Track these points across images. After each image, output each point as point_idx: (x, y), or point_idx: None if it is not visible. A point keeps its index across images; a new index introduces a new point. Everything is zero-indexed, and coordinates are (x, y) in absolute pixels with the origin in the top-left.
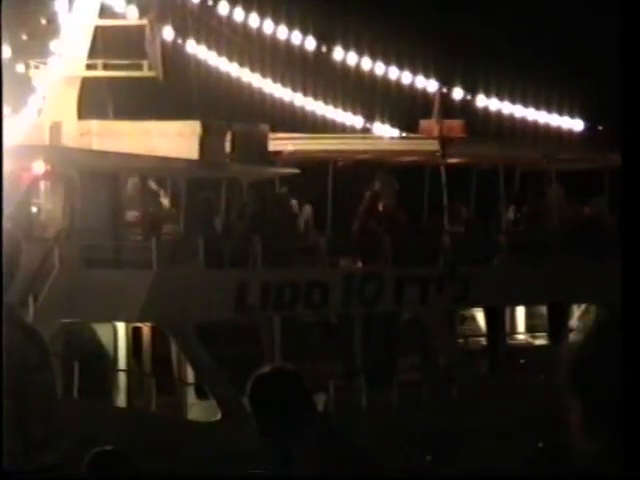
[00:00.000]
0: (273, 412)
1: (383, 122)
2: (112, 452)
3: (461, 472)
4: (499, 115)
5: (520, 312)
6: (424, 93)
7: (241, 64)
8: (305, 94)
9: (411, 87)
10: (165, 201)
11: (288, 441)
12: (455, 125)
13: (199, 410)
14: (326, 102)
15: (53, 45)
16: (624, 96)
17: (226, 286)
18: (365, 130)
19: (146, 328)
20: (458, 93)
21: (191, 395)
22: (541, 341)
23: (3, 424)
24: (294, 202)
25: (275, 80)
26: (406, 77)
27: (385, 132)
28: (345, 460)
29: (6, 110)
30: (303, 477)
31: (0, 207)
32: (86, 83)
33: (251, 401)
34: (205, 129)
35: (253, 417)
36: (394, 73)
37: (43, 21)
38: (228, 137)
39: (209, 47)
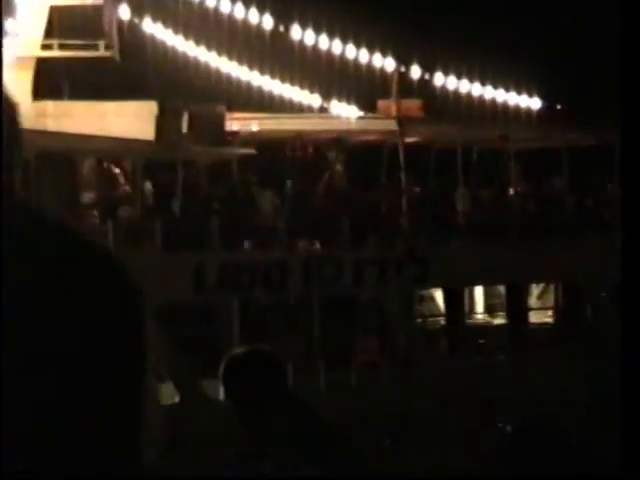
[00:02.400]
0: (247, 394)
1: (341, 102)
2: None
3: (460, 472)
4: (457, 94)
5: (479, 292)
6: (382, 72)
7: (197, 43)
8: (262, 73)
9: (369, 66)
10: (121, 183)
11: (261, 424)
12: (413, 105)
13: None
14: (283, 81)
15: (8, 25)
16: (624, 88)
17: (184, 268)
18: (323, 110)
19: None
20: (416, 72)
21: (149, 378)
22: (500, 321)
23: None
24: (257, 187)
25: (232, 59)
26: (364, 56)
27: (343, 112)
28: (317, 444)
29: None
30: (304, 477)
31: (0, 206)
32: (41, 64)
33: (224, 382)
34: (162, 110)
35: (226, 399)
36: (352, 52)
37: None
38: (185, 118)
39: (165, 26)
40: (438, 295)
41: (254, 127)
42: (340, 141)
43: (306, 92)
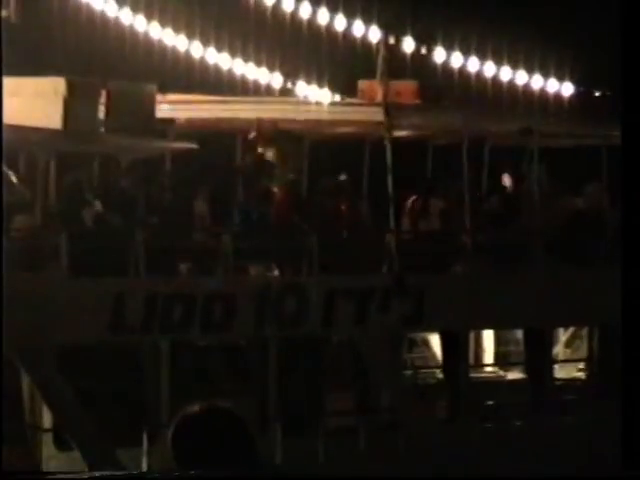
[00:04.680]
0: (204, 460)
1: (310, 83)
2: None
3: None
4: (464, 75)
5: (488, 337)
6: (364, 44)
7: (120, 2)
8: (206, 43)
9: (347, 36)
10: (17, 184)
11: None
12: (405, 87)
13: (59, 465)
14: (234, 55)
15: None
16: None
17: (98, 299)
18: (286, 93)
19: None
20: (409, 44)
21: (48, 445)
22: (515, 375)
23: None
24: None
25: (166, 24)
26: (340, 22)
27: (313, 95)
28: None
29: None
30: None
31: (0, 208)
32: None
33: (175, 448)
34: (71, 88)
35: (176, 467)
36: (324, 17)
37: None
38: (102, 99)
39: None
40: (434, 340)
41: (194, 113)
42: (308, 134)
43: (264, 69)
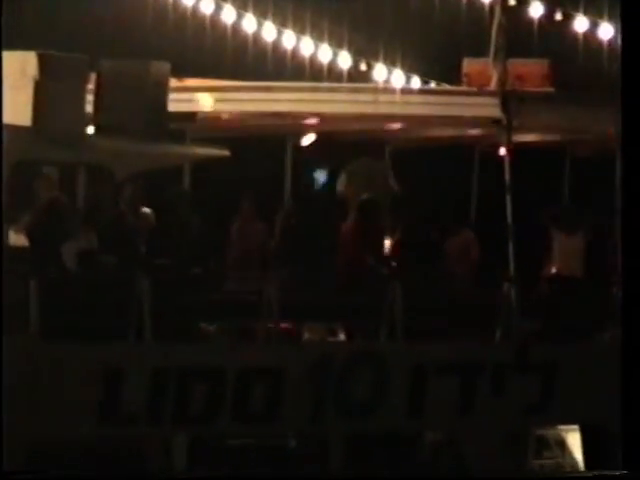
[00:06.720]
0: None
1: (392, 62)
2: None
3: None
4: (616, 52)
5: None
6: (471, 6)
7: None
8: (243, 5)
9: None
10: None
11: None
12: (531, 69)
13: None
14: (283, 22)
15: None
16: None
17: (83, 375)
18: (358, 77)
19: None
20: (537, 7)
21: None
22: None
23: None
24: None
25: None
26: None
27: (396, 81)
28: None
29: None
30: (302, 477)
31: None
32: None
33: None
34: (46, 67)
35: None
36: None
37: None
38: (91, 83)
39: None
40: (574, 439)
41: (226, 106)
42: (391, 137)
43: (326, 45)
